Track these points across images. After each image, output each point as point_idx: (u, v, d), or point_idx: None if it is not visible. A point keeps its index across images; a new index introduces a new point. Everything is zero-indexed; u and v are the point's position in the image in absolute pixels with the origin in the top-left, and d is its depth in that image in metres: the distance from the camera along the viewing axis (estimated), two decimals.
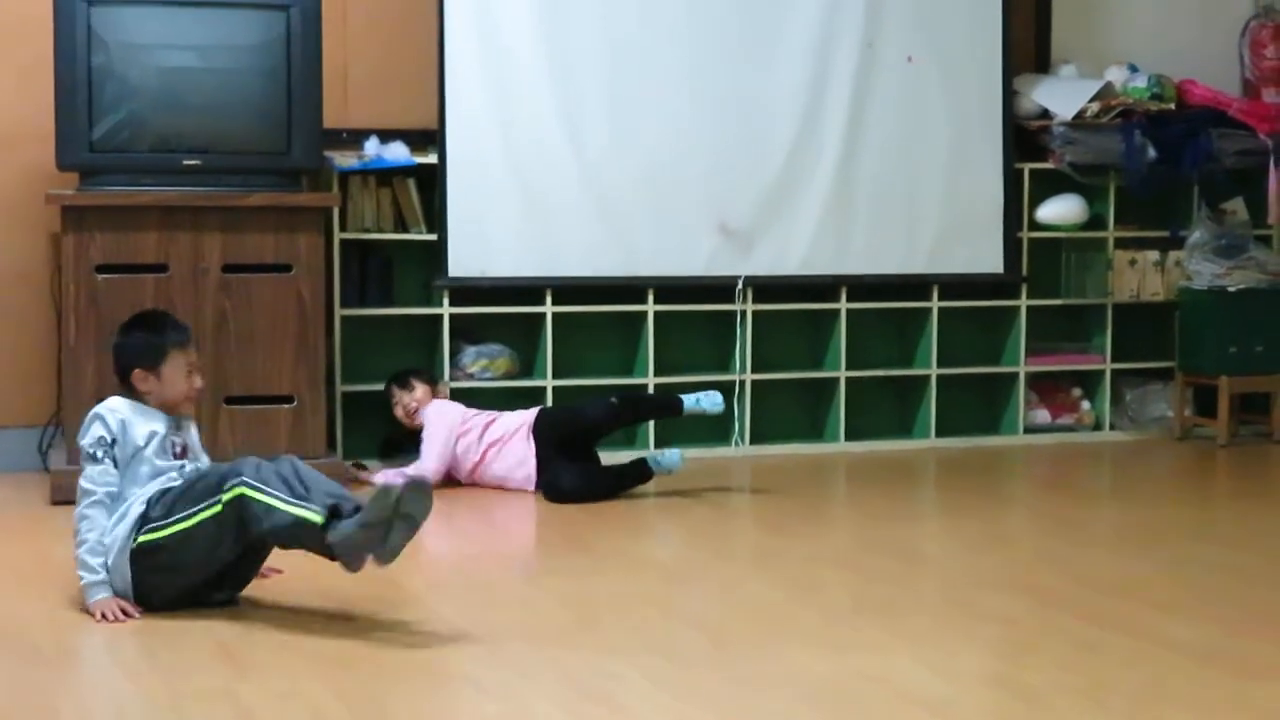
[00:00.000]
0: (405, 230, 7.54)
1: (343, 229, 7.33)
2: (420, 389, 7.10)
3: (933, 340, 8.04)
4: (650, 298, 7.71)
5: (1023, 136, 8.32)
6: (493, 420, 6.95)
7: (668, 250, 7.72)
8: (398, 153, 7.38)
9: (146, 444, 4.88)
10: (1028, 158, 8.31)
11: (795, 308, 8.01)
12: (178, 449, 4.97)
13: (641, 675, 4.31)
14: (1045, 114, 8.34)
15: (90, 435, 4.88)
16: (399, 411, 7.13)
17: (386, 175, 7.38)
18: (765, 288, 7.92)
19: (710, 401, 6.89)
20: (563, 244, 7.55)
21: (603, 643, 4.64)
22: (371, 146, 7.37)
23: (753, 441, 7.93)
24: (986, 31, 8.17)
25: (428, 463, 6.82)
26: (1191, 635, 4.64)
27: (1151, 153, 8.32)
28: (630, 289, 7.71)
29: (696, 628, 4.82)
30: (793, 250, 7.91)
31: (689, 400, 6.89)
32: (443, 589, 5.38)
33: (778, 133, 7.87)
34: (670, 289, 7.77)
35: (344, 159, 7.30)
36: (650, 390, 7.67)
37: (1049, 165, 8.29)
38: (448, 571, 5.73)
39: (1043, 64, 8.60)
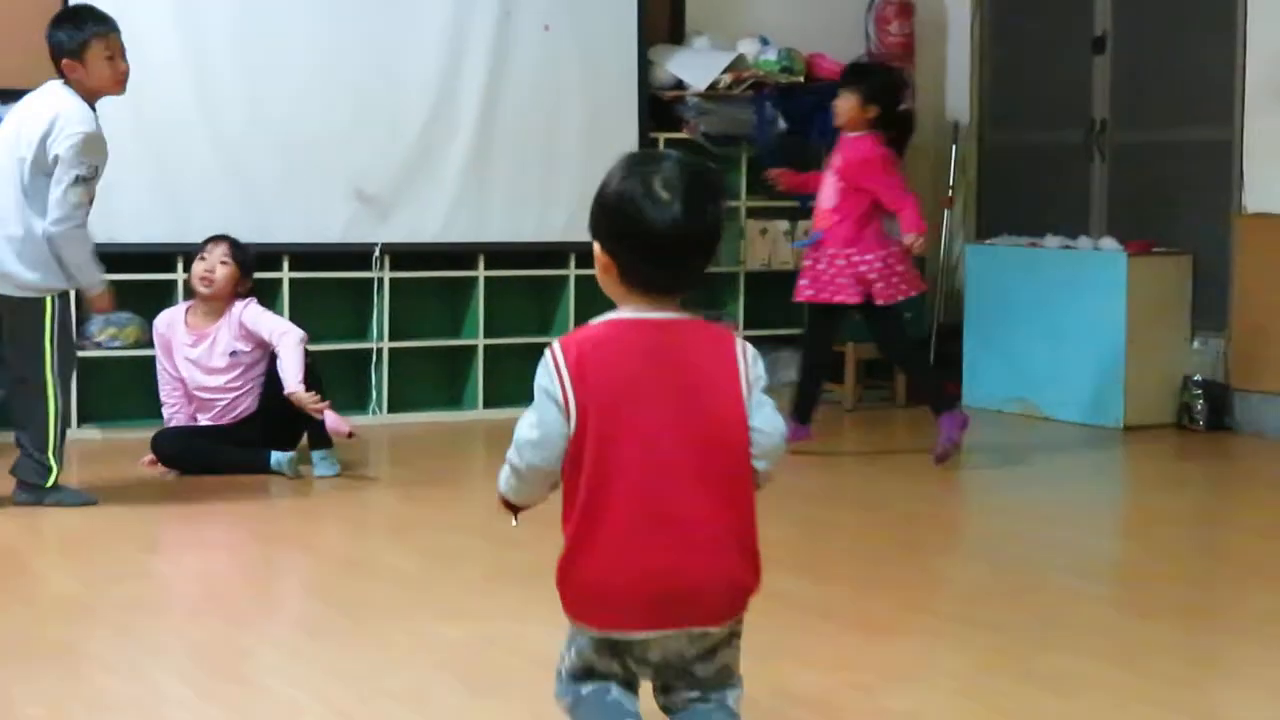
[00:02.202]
0: None
1: None
2: None
3: (570, 307, 8.09)
4: (285, 264, 7.60)
5: (658, 106, 8.43)
6: None
7: (302, 217, 7.61)
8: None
9: None
10: (663, 127, 8.43)
11: (433, 275, 7.98)
12: None
13: (275, 649, 4.26)
14: (679, 85, 8.47)
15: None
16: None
17: None
18: (403, 255, 7.87)
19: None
20: (194, 212, 7.37)
21: (233, 617, 4.57)
22: None
23: (390, 410, 7.88)
24: (622, 2, 8.26)
25: None
26: (818, 595, 4.78)
27: (782, 124, 8.53)
28: (265, 256, 7.58)
29: (331, 600, 4.78)
30: (430, 218, 7.88)
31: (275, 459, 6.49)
32: (59, 562, 5.22)
33: (414, 100, 7.83)
34: (305, 255, 7.66)
35: None
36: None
37: (683, 135, 8.42)
38: (63, 542, 5.55)
39: (677, 35, 8.73)
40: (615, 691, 2.86)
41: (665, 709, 2.92)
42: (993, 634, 4.39)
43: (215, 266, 6.57)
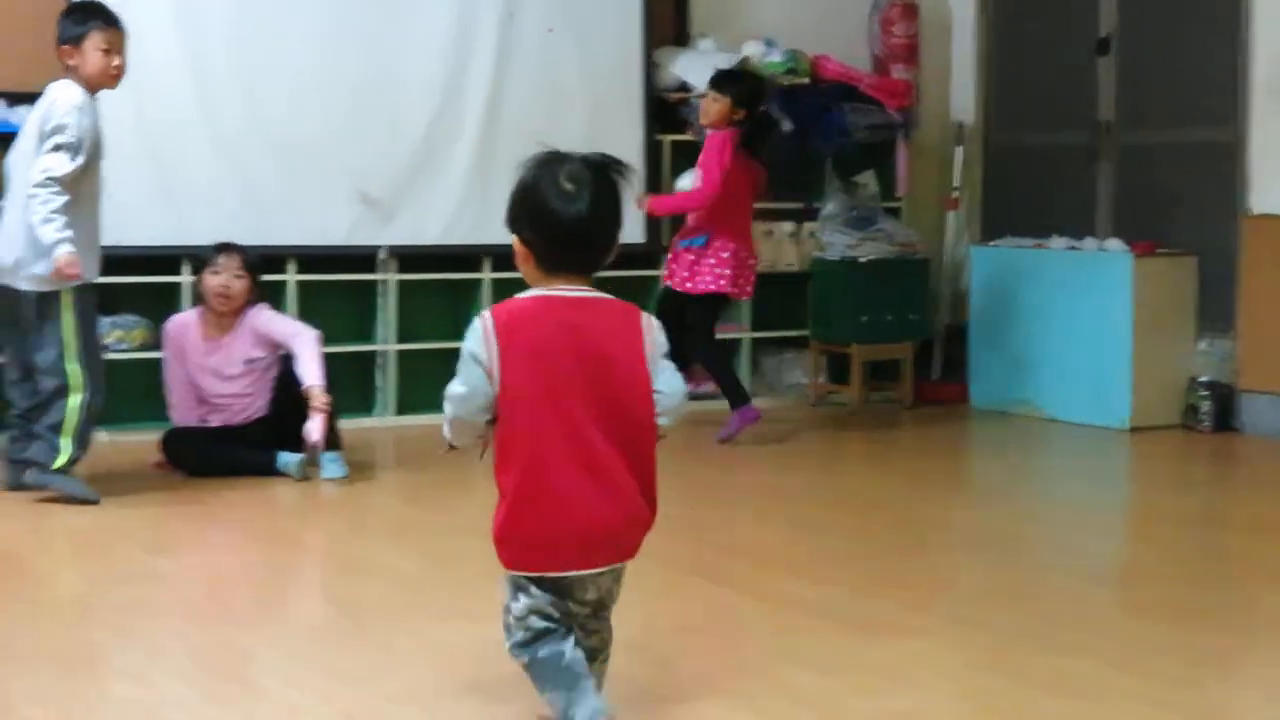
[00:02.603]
0: None
1: None
2: None
3: None
4: (291, 267, 7.61)
5: (662, 108, 8.43)
6: None
7: (307, 220, 7.61)
8: (25, 117, 7.10)
9: None
10: (668, 130, 8.43)
11: (438, 277, 7.99)
12: None
13: (276, 651, 4.26)
14: (684, 87, 8.47)
15: None
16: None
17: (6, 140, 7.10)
18: (408, 257, 7.88)
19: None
20: (197, 214, 7.37)
21: (235, 619, 4.58)
22: None
23: (398, 412, 7.89)
24: (626, 4, 8.26)
25: None
26: (817, 596, 4.78)
27: (787, 125, 8.51)
28: (270, 258, 7.59)
29: (332, 602, 4.79)
30: (435, 220, 7.89)
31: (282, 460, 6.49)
32: (63, 562, 5.23)
33: (418, 103, 7.84)
34: (311, 258, 7.68)
35: None
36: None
37: (688, 137, 8.41)
38: (68, 543, 5.56)
39: (682, 37, 8.73)
40: (569, 654, 3.30)
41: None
42: (994, 635, 4.39)
43: (231, 282, 6.55)
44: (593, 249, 3.29)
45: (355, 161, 7.69)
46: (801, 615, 4.55)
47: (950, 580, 5.20)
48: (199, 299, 6.74)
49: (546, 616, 3.31)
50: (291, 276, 7.60)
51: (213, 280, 6.56)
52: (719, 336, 7.66)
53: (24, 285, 5.93)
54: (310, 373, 6.41)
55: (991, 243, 8.83)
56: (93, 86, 5.98)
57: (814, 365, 8.66)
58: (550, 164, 3.28)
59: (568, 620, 3.35)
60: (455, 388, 3.28)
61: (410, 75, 7.81)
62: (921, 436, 7.99)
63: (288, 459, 6.44)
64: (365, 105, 7.72)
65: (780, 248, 8.69)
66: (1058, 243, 8.35)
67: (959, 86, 9.41)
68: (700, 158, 7.40)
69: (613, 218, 3.31)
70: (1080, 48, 8.71)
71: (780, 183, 8.61)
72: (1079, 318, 8.04)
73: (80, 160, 5.86)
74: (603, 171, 3.28)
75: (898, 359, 8.62)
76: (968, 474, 7.37)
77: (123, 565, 5.17)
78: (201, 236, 7.15)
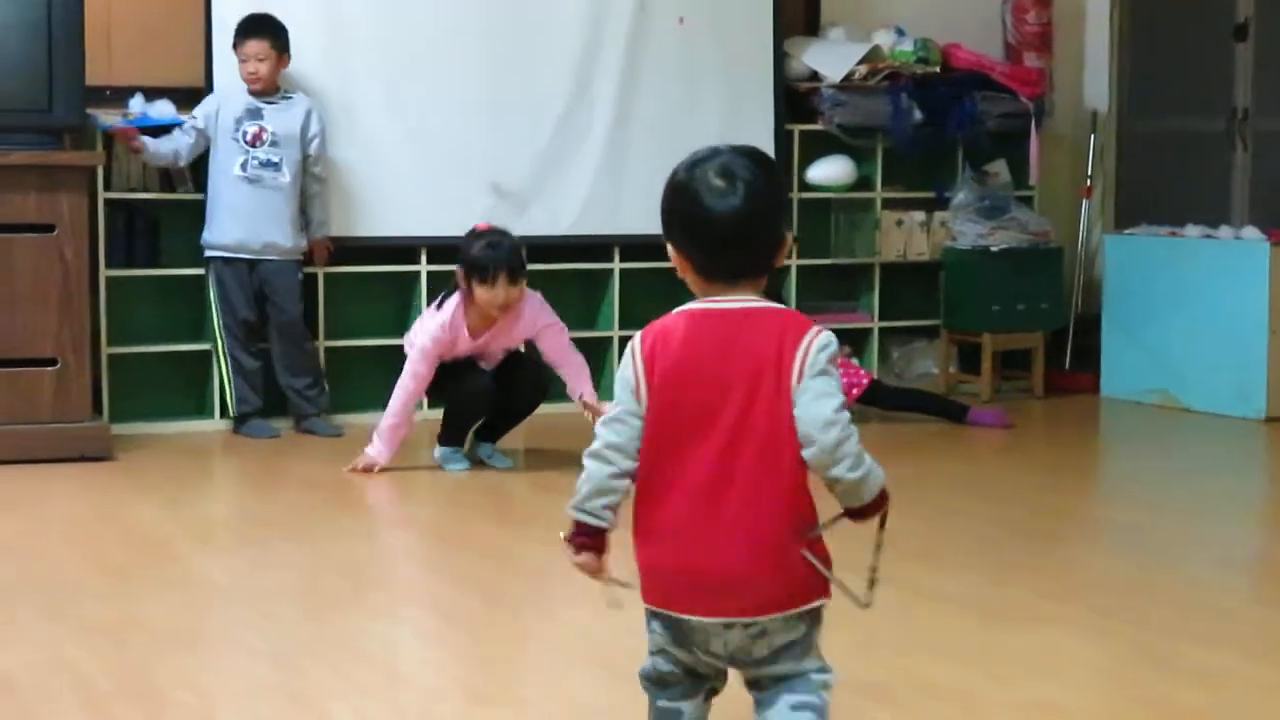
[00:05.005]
0: (172, 190, 7.42)
1: (107, 188, 7.18)
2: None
3: None
4: (424, 258, 7.67)
5: (793, 98, 8.41)
6: None
7: (441, 211, 7.67)
8: (163, 110, 7.24)
9: None
10: (798, 119, 8.41)
11: (570, 267, 8.02)
12: None
13: (416, 638, 4.32)
14: (814, 76, 8.45)
15: None
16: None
17: (153, 134, 7.23)
18: (540, 248, 7.91)
19: None
20: (334, 204, 7.47)
21: (376, 605, 4.64)
22: (136, 104, 7.23)
23: None
24: None
25: None
26: (954, 586, 4.76)
27: (918, 115, 8.47)
28: (404, 249, 7.67)
29: (471, 589, 4.83)
30: (566, 211, 7.93)
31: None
32: (209, 550, 5.32)
33: (551, 94, 7.87)
34: (443, 249, 7.73)
35: (108, 116, 7.14)
36: None
37: (818, 127, 8.40)
38: (214, 532, 5.66)
39: (812, 27, 8.71)
40: (686, 714, 2.89)
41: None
42: (1132, 625, 4.36)
43: (515, 298, 6.41)
44: (751, 250, 2.81)
45: (488, 153, 7.74)
46: (939, 605, 4.54)
47: (1085, 570, 5.16)
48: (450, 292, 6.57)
49: (671, 660, 2.87)
50: (423, 268, 7.67)
51: (493, 295, 6.33)
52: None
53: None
54: (583, 385, 6.58)
55: (1125, 231, 8.74)
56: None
57: (945, 354, 8.62)
58: (699, 161, 2.84)
59: (699, 673, 2.88)
60: (609, 410, 2.89)
61: (542, 66, 7.85)
62: (1054, 426, 7.92)
63: (488, 449, 6.66)
64: (498, 97, 7.76)
65: (911, 237, 8.64)
66: (1193, 231, 8.25)
67: (1092, 74, 9.31)
68: None
69: (773, 213, 2.84)
70: (1217, 34, 8.60)
71: (911, 172, 8.62)
72: (1214, 307, 7.94)
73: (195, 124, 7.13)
74: (758, 163, 2.84)
75: (1029, 348, 8.56)
76: (1100, 464, 7.30)
77: (265, 553, 5.24)
78: (334, 228, 7.25)
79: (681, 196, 2.82)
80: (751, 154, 2.86)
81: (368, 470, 6.34)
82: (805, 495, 2.78)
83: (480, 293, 6.34)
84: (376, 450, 6.39)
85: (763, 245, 2.83)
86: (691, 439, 2.77)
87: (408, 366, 6.45)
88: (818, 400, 2.74)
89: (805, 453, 2.74)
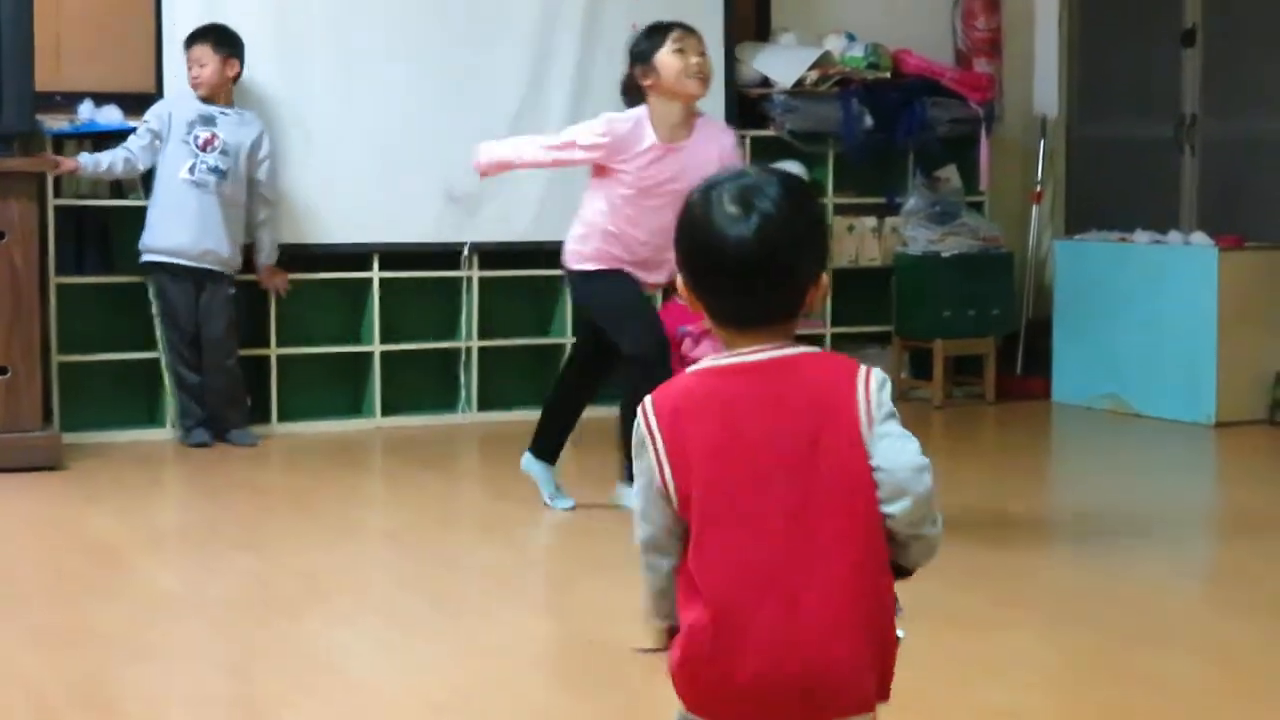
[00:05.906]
0: (122, 196, 7.37)
1: (57, 195, 7.13)
2: None
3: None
4: (375, 263, 7.65)
5: (744, 104, 8.42)
6: None
7: (393, 216, 7.65)
8: (111, 116, 7.20)
9: None
10: (749, 125, 8.41)
11: (522, 274, 8.01)
12: None
13: (372, 646, 4.30)
14: (766, 82, 8.46)
15: None
16: None
17: (101, 140, 7.19)
18: (492, 254, 7.91)
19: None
20: (286, 210, 7.44)
21: (331, 613, 4.62)
22: (85, 110, 7.19)
23: (480, 408, 7.92)
24: None
25: None
26: (909, 594, 4.76)
27: (868, 121, 8.49)
28: (356, 255, 7.65)
29: (425, 596, 4.82)
30: (519, 216, 7.91)
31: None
32: (161, 559, 5.29)
33: (503, 99, 7.86)
34: (395, 255, 7.72)
35: (56, 122, 7.10)
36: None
37: (769, 133, 8.41)
38: (166, 539, 5.63)
39: (763, 32, 8.72)
40: None
41: None
42: (1087, 630, 4.38)
43: (709, 68, 5.44)
44: (774, 287, 2.30)
45: (440, 158, 7.72)
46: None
47: (1039, 575, 5.18)
48: None
49: None
50: (375, 274, 7.64)
51: (678, 63, 5.38)
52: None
53: None
54: None
55: (1075, 237, 8.78)
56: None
57: (896, 360, 8.64)
58: (719, 181, 2.34)
59: None
60: (637, 519, 2.35)
61: (495, 71, 7.84)
62: (1005, 431, 7.96)
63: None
64: (449, 101, 7.74)
65: (863, 242, 8.66)
66: (1142, 236, 8.29)
67: (1042, 80, 9.35)
68: None
69: (794, 250, 2.30)
70: (1165, 39, 8.65)
71: (863, 178, 8.64)
72: (1164, 312, 7.98)
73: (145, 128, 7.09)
74: (786, 190, 2.31)
75: (981, 354, 8.59)
76: (1052, 469, 7.33)
77: (216, 561, 5.22)
78: (285, 234, 7.23)
79: (688, 220, 2.34)
80: (783, 179, 2.34)
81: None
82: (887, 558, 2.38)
83: (669, 65, 5.24)
84: (489, 150, 5.91)
85: (779, 287, 2.31)
86: (747, 521, 2.26)
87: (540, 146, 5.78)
88: (900, 443, 2.31)
89: (893, 508, 2.32)
